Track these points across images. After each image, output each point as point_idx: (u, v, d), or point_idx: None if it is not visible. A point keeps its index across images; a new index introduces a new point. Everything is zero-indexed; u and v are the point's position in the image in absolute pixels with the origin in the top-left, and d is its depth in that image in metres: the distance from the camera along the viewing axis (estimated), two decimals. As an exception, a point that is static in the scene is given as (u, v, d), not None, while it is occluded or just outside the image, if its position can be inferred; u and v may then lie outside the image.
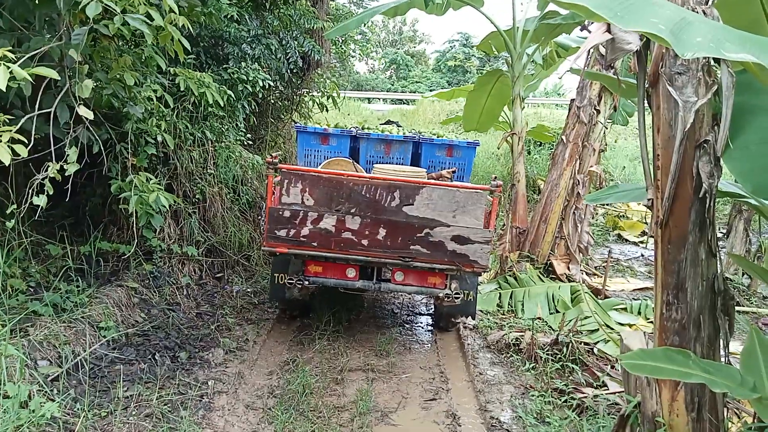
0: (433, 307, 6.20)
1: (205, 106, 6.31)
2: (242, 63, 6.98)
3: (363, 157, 6.40)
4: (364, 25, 12.72)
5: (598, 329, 5.44)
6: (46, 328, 4.23)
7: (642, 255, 9.43)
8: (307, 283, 5.05)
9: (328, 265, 5.06)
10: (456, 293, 5.09)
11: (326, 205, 4.74)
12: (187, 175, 6.47)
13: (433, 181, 5.48)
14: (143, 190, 5.40)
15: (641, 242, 10.49)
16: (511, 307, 6.28)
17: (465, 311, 5.47)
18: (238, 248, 6.71)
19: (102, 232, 6.07)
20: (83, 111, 3.76)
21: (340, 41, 11.53)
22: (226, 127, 6.97)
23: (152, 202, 5.22)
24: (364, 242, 4.73)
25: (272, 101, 9.14)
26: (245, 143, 7.30)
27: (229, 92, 6.63)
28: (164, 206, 5.27)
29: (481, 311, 6.17)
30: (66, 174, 3.79)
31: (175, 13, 4.06)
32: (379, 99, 30.57)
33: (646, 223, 11.67)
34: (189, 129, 6.39)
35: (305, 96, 9.72)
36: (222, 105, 6.04)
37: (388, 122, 9.48)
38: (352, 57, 13.25)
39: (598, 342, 5.20)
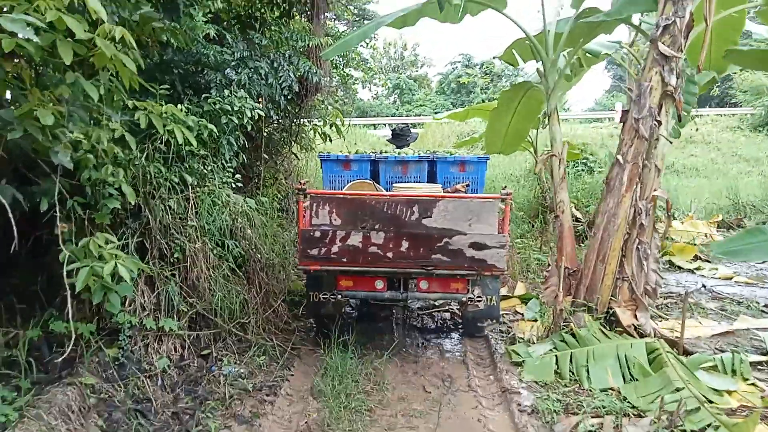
0: (462, 322, 6.37)
1: (181, 145, 5.16)
2: (225, 90, 5.84)
3: (383, 178, 6.83)
4: (367, 45, 11.68)
5: (699, 408, 4.12)
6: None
7: (704, 286, 8.08)
8: (340, 296, 5.44)
9: (358, 278, 5.43)
10: (479, 297, 5.44)
11: (352, 223, 5.17)
12: (162, 229, 5.28)
13: (446, 194, 5.82)
14: (101, 256, 4.24)
15: (696, 269, 9.14)
16: (573, 373, 4.97)
17: (489, 315, 5.80)
18: (229, 316, 5.47)
19: (60, 308, 4.89)
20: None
21: (342, 63, 10.47)
22: (210, 167, 5.80)
23: (107, 275, 4.03)
24: (389, 255, 5.12)
25: (267, 134, 7.99)
26: (234, 185, 6.11)
27: (210, 126, 5.50)
28: (126, 278, 4.10)
29: (536, 383, 4.88)
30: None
31: (107, 23, 2.91)
32: (384, 124, 29.61)
33: (695, 245, 10.33)
34: (163, 173, 5.23)
35: (305, 125, 8.57)
36: (194, 143, 4.88)
37: (398, 131, 8.24)
38: (354, 83, 12.14)
39: (706, 430, 3.88)
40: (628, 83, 11.19)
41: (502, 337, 5.99)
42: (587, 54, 7.94)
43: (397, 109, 42.64)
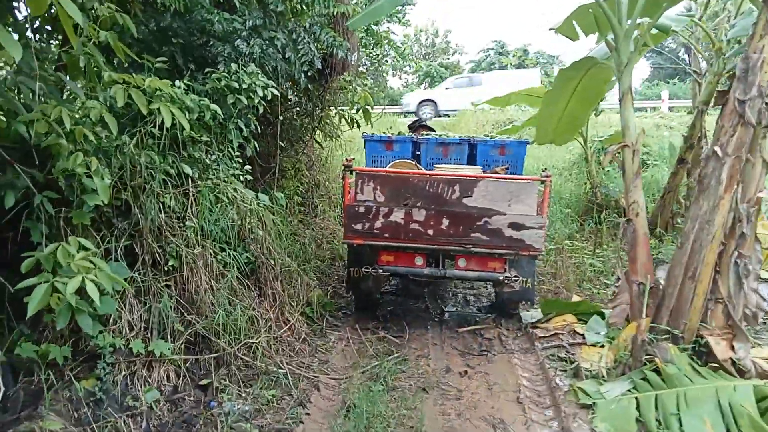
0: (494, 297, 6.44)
1: (176, 129, 4.27)
2: (233, 65, 4.91)
3: (424, 159, 6.83)
4: (400, 21, 10.62)
5: None
6: None
7: (794, 302, 6.87)
8: (381, 271, 5.56)
9: (399, 254, 5.57)
10: (515, 277, 5.51)
11: (395, 200, 5.33)
12: (155, 231, 4.40)
13: (487, 174, 6.00)
14: (69, 268, 3.40)
15: (779, 279, 7.91)
16: (660, 423, 3.93)
17: (524, 297, 5.93)
18: (235, 336, 4.56)
19: (32, 326, 4.06)
20: None
21: (371, 44, 9.45)
22: (214, 157, 4.89)
23: (70, 294, 3.16)
24: (430, 232, 5.27)
25: (285, 118, 7.05)
26: (244, 178, 5.20)
27: (213, 107, 4.58)
28: (95, 297, 3.24)
29: (613, 435, 3.86)
30: None
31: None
32: (415, 112, 28.50)
33: (770, 249, 9.05)
34: (156, 163, 4.34)
35: (329, 110, 7.59)
36: (187, 126, 3.98)
37: (418, 124, 7.97)
38: (386, 69, 11.13)
39: None
40: (694, 65, 9.98)
41: (563, 366, 4.95)
42: (657, 29, 6.80)
43: (428, 98, 41.45)
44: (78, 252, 3.53)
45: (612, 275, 7.70)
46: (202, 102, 4.56)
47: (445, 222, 5.24)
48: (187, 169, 4.56)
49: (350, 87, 7.34)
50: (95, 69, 3.92)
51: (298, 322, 5.37)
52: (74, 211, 3.91)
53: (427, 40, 49.96)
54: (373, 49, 9.62)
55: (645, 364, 4.33)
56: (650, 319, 4.78)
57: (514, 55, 45.17)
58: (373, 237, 5.34)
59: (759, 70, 4.28)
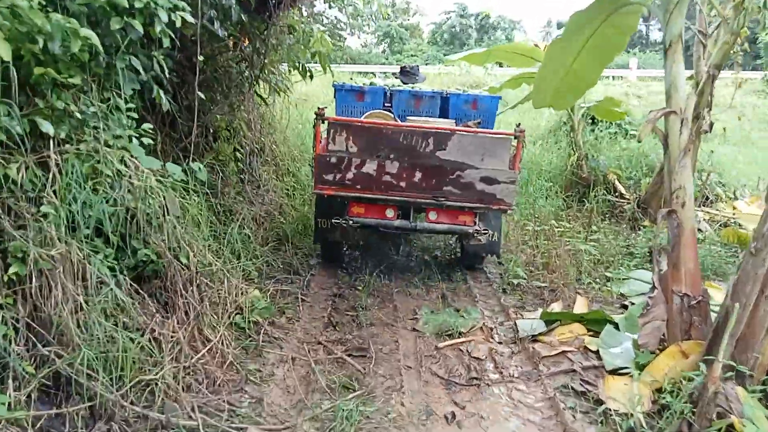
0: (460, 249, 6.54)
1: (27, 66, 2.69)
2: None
3: (396, 111, 6.61)
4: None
5: None
6: None
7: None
8: (351, 222, 5.43)
9: (370, 206, 5.47)
10: (484, 231, 5.49)
11: (368, 151, 5.19)
12: (-11, 220, 2.83)
13: (463, 128, 5.91)
14: None
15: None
16: None
17: (490, 250, 6.06)
18: (121, 373, 3.08)
19: None
20: None
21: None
22: (93, 109, 3.30)
23: None
24: (402, 184, 5.24)
25: (217, 63, 5.43)
26: (142, 141, 3.62)
27: (87, 33, 3.01)
28: None
29: None
30: None
31: None
32: (374, 73, 26.95)
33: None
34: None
35: (273, 56, 5.97)
36: (9, 56, 2.41)
37: (408, 68, 7.80)
38: (347, 6, 9.48)
39: None
40: (699, 24, 8.75)
41: (581, 405, 3.69)
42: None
43: (387, 59, 40.10)
44: None
45: (612, 265, 6.54)
46: (68, 25, 2.96)
47: (418, 174, 5.19)
48: (47, 127, 2.99)
49: (304, 25, 5.75)
50: None
51: (224, 339, 3.91)
52: None
53: (387, -1, 47.86)
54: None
55: (712, 419, 3.09)
56: (690, 338, 3.57)
57: (476, 18, 43.93)
58: (345, 188, 5.23)
59: None
